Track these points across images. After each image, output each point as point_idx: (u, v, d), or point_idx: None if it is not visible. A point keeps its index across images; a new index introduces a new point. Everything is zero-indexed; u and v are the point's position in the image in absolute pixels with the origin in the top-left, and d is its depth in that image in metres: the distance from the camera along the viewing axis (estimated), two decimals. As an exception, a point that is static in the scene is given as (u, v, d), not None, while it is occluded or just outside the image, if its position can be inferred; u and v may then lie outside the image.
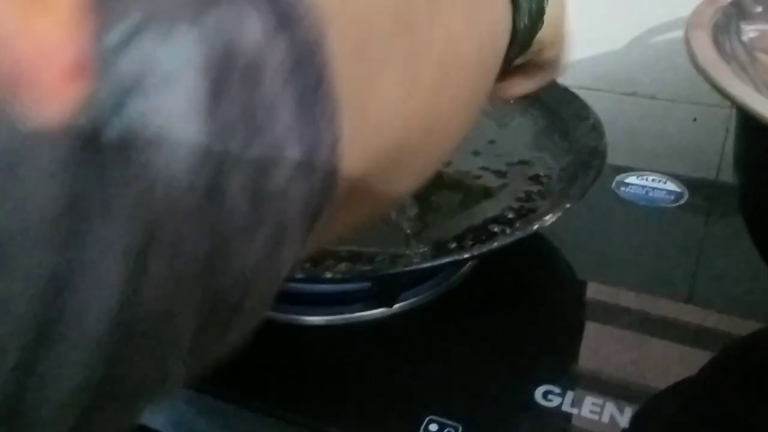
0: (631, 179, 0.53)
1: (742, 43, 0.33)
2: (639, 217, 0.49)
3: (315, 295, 0.41)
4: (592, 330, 0.40)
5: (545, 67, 0.32)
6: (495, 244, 0.35)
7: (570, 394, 0.35)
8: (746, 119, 0.33)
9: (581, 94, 0.54)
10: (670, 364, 0.37)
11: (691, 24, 0.33)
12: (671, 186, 0.52)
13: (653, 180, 0.53)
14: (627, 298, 0.42)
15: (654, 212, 0.50)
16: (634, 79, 0.62)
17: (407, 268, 0.34)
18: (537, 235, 0.47)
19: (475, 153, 0.46)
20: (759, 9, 0.36)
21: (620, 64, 0.62)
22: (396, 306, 0.40)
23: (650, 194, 0.51)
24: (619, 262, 0.45)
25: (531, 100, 0.50)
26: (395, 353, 0.39)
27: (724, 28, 0.33)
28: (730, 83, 0.29)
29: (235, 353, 0.15)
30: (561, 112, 0.49)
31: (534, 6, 0.24)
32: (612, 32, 0.61)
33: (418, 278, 0.41)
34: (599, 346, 0.39)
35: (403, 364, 0.38)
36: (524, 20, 0.24)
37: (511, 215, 0.40)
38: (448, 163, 0.45)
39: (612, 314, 0.41)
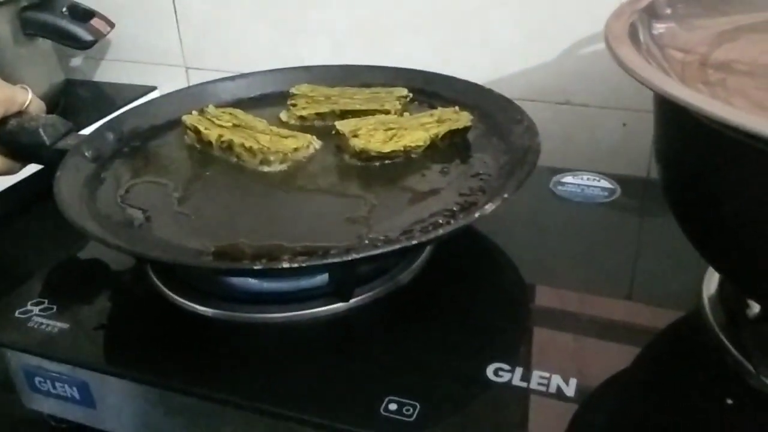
0: (567, 179, 0.57)
1: (654, 40, 0.36)
2: (576, 213, 0.53)
3: (275, 294, 0.43)
4: (535, 316, 0.43)
5: None
6: (441, 231, 0.38)
7: (519, 370, 0.37)
8: (665, 110, 0.36)
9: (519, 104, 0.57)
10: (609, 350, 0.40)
11: (609, 29, 0.36)
12: (604, 183, 0.56)
13: (588, 179, 0.56)
14: (569, 292, 0.45)
15: (589, 208, 0.53)
16: (567, 89, 0.67)
17: (361, 255, 0.36)
18: (482, 235, 0.50)
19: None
20: (668, 11, 0.40)
21: (553, 76, 0.66)
22: (352, 301, 0.42)
23: (585, 191, 0.55)
24: (558, 252, 0.48)
25: (469, 107, 0.53)
26: (354, 344, 0.41)
27: (639, 30, 0.37)
28: (651, 75, 0.31)
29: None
30: (498, 117, 0.52)
31: None
32: (544, 46, 0.65)
33: (372, 273, 0.43)
34: (543, 330, 0.42)
35: (362, 353, 0.40)
36: None
37: (455, 208, 0.42)
38: (392, 162, 0.48)
39: (555, 302, 0.44)
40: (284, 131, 0.51)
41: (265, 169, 0.49)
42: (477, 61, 0.67)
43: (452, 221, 0.40)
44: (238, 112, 0.54)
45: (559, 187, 0.56)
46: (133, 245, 0.40)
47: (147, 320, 0.44)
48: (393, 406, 0.35)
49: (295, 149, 0.50)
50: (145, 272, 0.46)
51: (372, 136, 0.49)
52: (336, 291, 0.42)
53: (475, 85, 0.57)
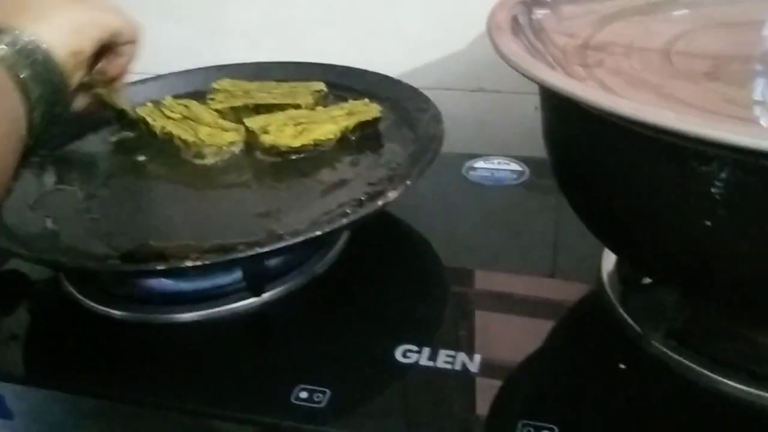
0: (479, 164, 0.58)
1: (534, 27, 0.38)
2: (487, 196, 0.54)
3: (189, 293, 0.43)
4: (446, 297, 0.45)
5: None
6: (344, 221, 0.39)
7: (426, 350, 0.39)
8: (544, 96, 0.38)
9: (432, 93, 0.59)
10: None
11: (492, 19, 0.38)
12: (514, 166, 0.58)
13: (498, 162, 0.58)
14: (479, 272, 0.47)
15: (499, 190, 0.55)
16: (480, 76, 0.68)
17: (265, 249, 0.37)
18: (397, 222, 0.51)
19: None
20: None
21: (466, 64, 0.68)
22: (266, 295, 0.43)
23: (495, 175, 0.57)
24: (469, 234, 0.50)
25: (381, 99, 0.55)
26: (267, 337, 0.42)
27: (520, 18, 0.38)
28: (531, 66, 0.33)
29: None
30: (407, 107, 0.53)
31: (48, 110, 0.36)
32: (455, 35, 0.67)
33: (284, 267, 0.44)
34: (452, 310, 0.43)
35: (275, 346, 0.41)
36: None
37: (363, 198, 0.43)
38: (304, 156, 0.48)
39: (465, 282, 0.46)
40: (228, 124, 0.52)
41: (198, 161, 0.50)
42: (391, 52, 0.68)
43: (358, 210, 0.41)
44: (193, 104, 0.55)
45: (471, 172, 0.57)
46: (39, 253, 0.40)
47: (62, 327, 0.44)
48: (304, 394, 0.36)
49: (231, 143, 0.50)
50: (59, 280, 0.46)
51: (282, 132, 0.49)
52: (248, 287, 0.42)
53: (385, 76, 0.58)
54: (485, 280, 0.46)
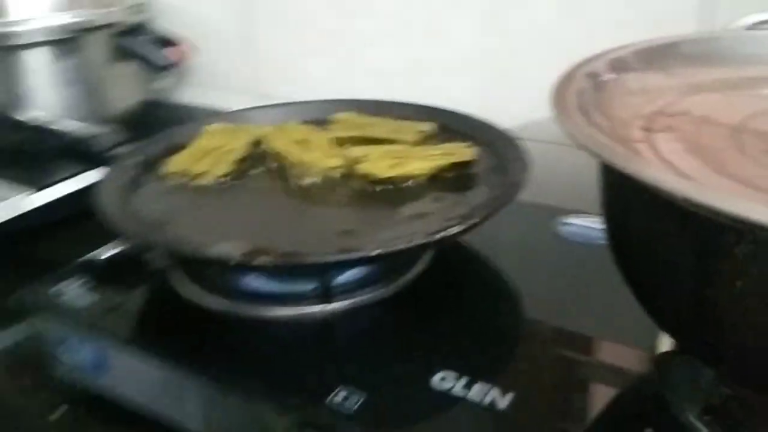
0: (572, 220, 0.59)
1: (598, 88, 0.39)
2: (574, 253, 0.55)
3: (271, 294, 0.48)
4: (505, 334, 0.46)
5: None
6: (401, 246, 0.42)
7: (464, 380, 0.41)
8: (607, 176, 0.38)
9: (546, 147, 0.60)
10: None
11: (556, 98, 0.39)
12: (607, 226, 0.58)
13: (593, 221, 0.59)
14: (549, 323, 0.48)
15: (587, 249, 0.55)
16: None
17: (334, 258, 0.41)
18: (478, 260, 0.53)
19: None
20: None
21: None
22: (334, 305, 0.47)
23: (587, 232, 0.57)
24: (544, 283, 0.51)
25: (483, 144, 0.58)
26: (325, 340, 0.46)
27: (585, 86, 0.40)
28: (596, 145, 0.34)
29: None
30: (505, 154, 0.56)
31: None
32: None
33: (354, 282, 0.48)
34: (507, 348, 0.45)
35: (327, 348, 0.45)
36: None
37: (434, 230, 0.46)
38: (394, 188, 0.52)
39: (532, 333, 0.47)
40: (334, 151, 0.58)
41: (301, 181, 0.56)
42: (513, 103, 0.71)
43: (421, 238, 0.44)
44: (311, 130, 0.61)
45: (562, 227, 0.58)
46: (150, 239, 0.47)
47: (164, 309, 0.50)
48: (340, 397, 0.39)
49: (333, 168, 0.55)
50: (166, 271, 0.53)
51: (378, 163, 0.54)
52: (320, 294, 0.47)
53: (491, 124, 0.61)
54: (549, 331, 0.47)
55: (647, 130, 0.37)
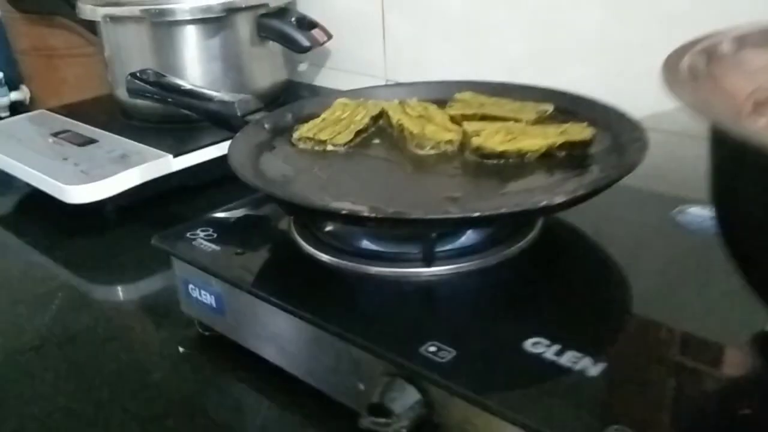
0: (693, 209, 0.57)
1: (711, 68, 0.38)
2: (688, 242, 0.53)
3: (382, 253, 0.51)
4: (608, 310, 0.46)
5: None
6: (503, 210, 0.43)
7: (556, 347, 0.41)
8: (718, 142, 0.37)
9: (676, 138, 0.59)
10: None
11: (667, 67, 0.38)
12: (729, 218, 0.55)
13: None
14: (655, 309, 0.47)
15: (703, 239, 0.53)
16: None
17: (434, 216, 0.43)
18: (588, 241, 0.53)
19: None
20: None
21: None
22: (435, 269, 0.49)
23: (705, 223, 0.55)
24: (657, 272, 0.50)
25: (602, 127, 0.57)
26: (425, 301, 0.48)
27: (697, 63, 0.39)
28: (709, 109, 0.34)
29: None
30: (624, 136, 0.55)
31: None
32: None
33: (458, 248, 0.49)
34: (604, 325, 0.44)
35: (428, 309, 0.46)
36: None
37: (538, 202, 0.47)
38: (506, 162, 0.53)
39: (636, 314, 0.47)
40: (451, 126, 0.59)
41: (418, 151, 0.58)
42: (641, 93, 0.69)
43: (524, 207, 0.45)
44: (432, 107, 0.63)
45: (680, 216, 0.56)
46: (273, 192, 0.51)
47: (281, 260, 0.54)
48: (432, 348, 0.41)
49: (449, 141, 0.57)
50: (288, 224, 0.57)
51: (492, 137, 0.55)
52: (422, 257, 0.49)
53: (613, 108, 0.60)
54: (651, 315, 0.46)
55: (760, 104, 0.36)
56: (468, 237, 0.50)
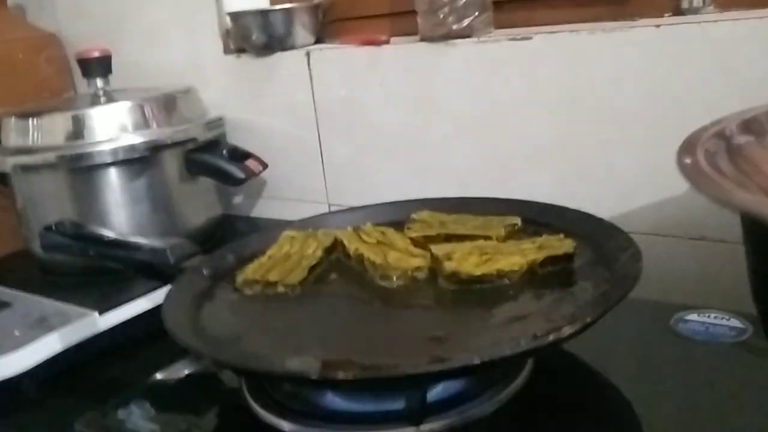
0: (692, 316, 0.52)
1: (732, 154, 0.34)
2: (697, 353, 0.48)
3: (354, 414, 0.43)
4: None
5: None
6: (507, 352, 0.36)
7: None
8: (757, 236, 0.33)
9: (645, 239, 0.54)
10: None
11: (683, 152, 0.34)
12: (734, 322, 0.50)
13: (715, 317, 0.51)
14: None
15: (712, 348, 0.48)
16: (702, 223, 0.62)
17: (428, 369, 0.35)
18: (588, 368, 0.46)
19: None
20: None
21: (686, 210, 0.63)
22: (424, 427, 0.41)
23: (710, 330, 0.50)
24: (667, 391, 0.44)
25: (579, 236, 0.52)
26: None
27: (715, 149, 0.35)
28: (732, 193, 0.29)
29: None
30: (607, 245, 0.50)
31: None
32: (673, 179, 0.62)
33: (448, 399, 0.42)
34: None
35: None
36: None
37: (537, 333, 0.40)
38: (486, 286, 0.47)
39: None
40: (416, 251, 0.53)
41: (383, 284, 0.51)
42: (602, 195, 0.66)
43: (528, 343, 0.38)
44: (389, 231, 0.57)
45: (681, 325, 0.51)
46: (218, 357, 0.43)
47: (231, 429, 0.45)
48: None
49: (417, 268, 0.51)
50: (240, 388, 0.48)
51: (466, 260, 0.49)
52: (407, 413, 0.40)
53: (586, 214, 0.55)
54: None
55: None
56: (459, 382, 0.43)
